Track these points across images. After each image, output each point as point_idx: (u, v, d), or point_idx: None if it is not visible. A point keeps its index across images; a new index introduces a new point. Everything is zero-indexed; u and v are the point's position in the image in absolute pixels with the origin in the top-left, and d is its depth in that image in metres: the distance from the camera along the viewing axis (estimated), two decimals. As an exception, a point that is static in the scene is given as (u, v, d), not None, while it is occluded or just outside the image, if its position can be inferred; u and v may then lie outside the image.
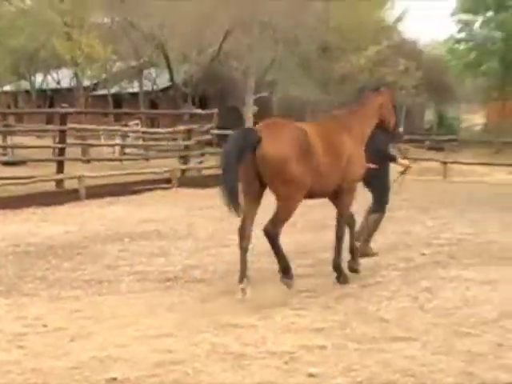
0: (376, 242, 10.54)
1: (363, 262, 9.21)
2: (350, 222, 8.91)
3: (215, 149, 30.93)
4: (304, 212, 14.73)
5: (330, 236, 11.67)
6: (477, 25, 48.54)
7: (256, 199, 8.09)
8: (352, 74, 41.28)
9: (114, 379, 5.49)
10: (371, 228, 10.26)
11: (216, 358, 5.87)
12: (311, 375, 5.48)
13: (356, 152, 8.58)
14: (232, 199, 7.62)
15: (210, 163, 24.50)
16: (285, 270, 8.02)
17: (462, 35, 49.30)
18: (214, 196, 18.10)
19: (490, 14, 47.45)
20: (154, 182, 19.75)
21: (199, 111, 26.44)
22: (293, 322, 6.81)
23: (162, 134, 26.08)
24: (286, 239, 11.44)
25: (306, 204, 16.56)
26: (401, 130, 9.89)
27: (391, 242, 11.10)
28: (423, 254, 10.00)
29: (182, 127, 24.17)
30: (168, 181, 19.80)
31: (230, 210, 7.71)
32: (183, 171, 21.77)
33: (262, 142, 7.61)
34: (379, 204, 10.31)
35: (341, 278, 8.54)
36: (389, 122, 9.28)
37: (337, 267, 8.62)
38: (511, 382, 5.27)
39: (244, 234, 8.09)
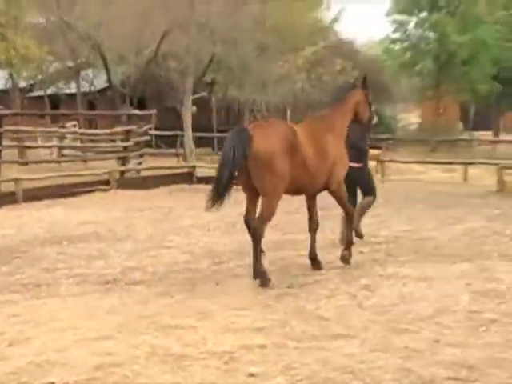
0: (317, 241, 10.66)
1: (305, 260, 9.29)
2: (315, 226, 9.44)
3: (154, 150, 30.81)
4: (242, 212, 14.83)
5: (271, 236, 11.79)
6: (411, 25, 49.18)
7: (256, 195, 8.68)
8: (290, 74, 41.52)
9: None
10: (362, 208, 11.15)
11: (156, 360, 5.85)
12: (251, 375, 5.50)
13: (340, 150, 9.29)
14: (222, 193, 8.31)
15: (149, 164, 24.42)
16: (256, 270, 8.48)
17: (397, 35, 49.90)
18: (153, 197, 18.19)
19: (423, 14, 48.12)
20: (92, 183, 19.58)
21: (137, 112, 26.31)
22: (233, 322, 6.82)
23: (100, 136, 25.86)
24: (224, 239, 11.54)
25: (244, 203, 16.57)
26: (374, 121, 10.47)
27: (330, 240, 11.20)
28: (361, 252, 10.12)
29: (120, 128, 24.00)
30: (107, 182, 19.65)
31: (211, 203, 8.39)
32: (122, 173, 21.64)
33: (253, 139, 8.25)
34: (370, 191, 11.21)
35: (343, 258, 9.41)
36: (363, 117, 9.96)
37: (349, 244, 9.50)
38: (448, 377, 5.35)
39: (250, 226, 8.68)
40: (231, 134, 8.51)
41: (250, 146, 8.23)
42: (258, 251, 8.49)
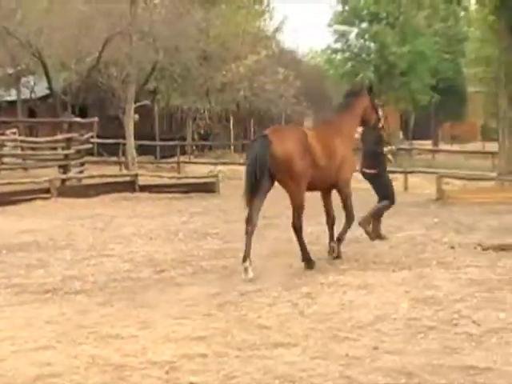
0: (257, 250, 10.72)
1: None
2: (332, 221, 10.51)
3: (96, 158, 30.53)
4: (185, 221, 14.82)
5: (211, 245, 11.79)
6: (352, 36, 49.64)
7: (264, 194, 9.63)
8: (232, 83, 41.60)
9: (-10, 395, 5.37)
10: (376, 210, 11.87)
11: (96, 370, 5.80)
12: (192, 384, 5.50)
13: (347, 151, 10.34)
14: (253, 192, 9.36)
15: (91, 172, 24.22)
16: (307, 259, 9.69)
17: (339, 45, 50.31)
18: (95, 205, 18.04)
19: (364, 25, 48.62)
20: (32, 191, 19.32)
21: (79, 120, 26.08)
22: (174, 331, 6.80)
23: (41, 143, 25.56)
24: (166, 248, 11.50)
25: (188, 212, 16.59)
26: (381, 123, 11.27)
27: (273, 248, 11.23)
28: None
29: (61, 136, 23.76)
30: (47, 191, 19.41)
31: (247, 202, 9.50)
32: (63, 181, 21.42)
33: (272, 144, 9.28)
34: (385, 197, 11.93)
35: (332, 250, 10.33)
36: (370, 120, 10.94)
37: (339, 238, 10.37)
38: (387, 384, 5.43)
39: (251, 222, 9.54)
40: (255, 141, 9.78)
41: (270, 150, 9.23)
42: (302, 241, 9.67)
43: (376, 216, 11.91)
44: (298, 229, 9.68)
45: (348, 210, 10.45)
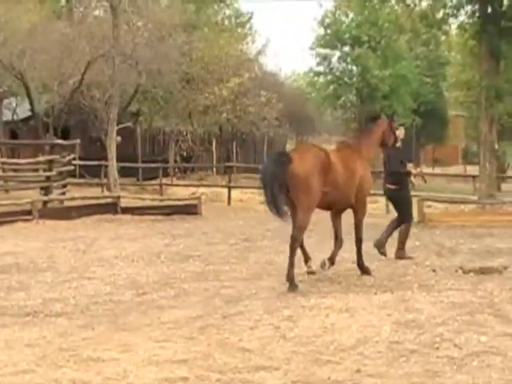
0: (239, 272, 10.76)
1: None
2: (340, 244, 11.06)
3: (78, 179, 30.41)
4: (167, 243, 14.79)
5: (193, 267, 11.77)
6: (334, 59, 49.93)
7: (294, 209, 10.06)
8: (215, 106, 41.69)
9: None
10: (403, 236, 12.47)
11: (77, 394, 5.76)
12: (174, 407, 5.47)
13: (365, 172, 10.96)
14: (276, 208, 9.77)
15: (73, 194, 24.12)
16: (290, 279, 9.84)
17: (321, 69, 50.57)
18: (76, 228, 17.97)
19: (346, 48, 48.95)
20: (14, 213, 19.19)
21: (61, 142, 25.99)
22: (155, 354, 6.77)
23: (23, 165, 25.45)
24: (148, 270, 11.47)
25: (170, 234, 16.54)
26: (398, 144, 12.27)
27: (254, 271, 11.23)
28: (286, 284, 10.16)
29: (42, 158, 23.67)
30: (29, 212, 19.29)
31: (277, 217, 9.93)
32: (45, 202, 21.30)
33: (293, 162, 9.79)
34: (405, 215, 12.60)
35: (364, 272, 10.83)
36: (388, 142, 11.70)
37: (361, 265, 10.89)
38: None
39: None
40: (272, 156, 10.56)
41: (289, 166, 9.72)
42: (293, 258, 9.86)
43: (404, 240, 12.55)
44: (295, 241, 9.94)
45: (358, 230, 10.95)
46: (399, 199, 12.68)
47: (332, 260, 10.87)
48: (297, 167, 9.77)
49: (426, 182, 14.00)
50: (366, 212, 11.11)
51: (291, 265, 9.86)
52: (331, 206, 10.72)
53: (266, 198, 9.88)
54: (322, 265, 10.71)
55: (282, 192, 9.86)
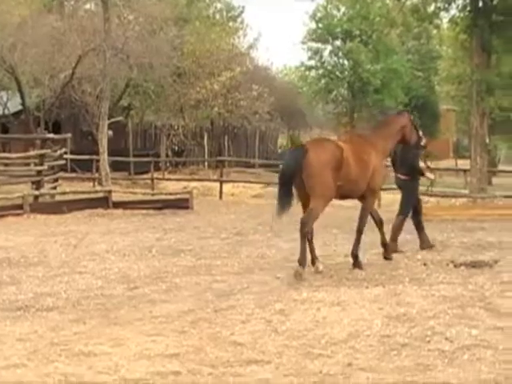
0: (231, 266, 10.77)
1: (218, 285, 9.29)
2: (379, 223, 11.59)
3: (69, 174, 30.34)
4: (159, 238, 14.78)
5: (185, 261, 11.77)
6: (326, 53, 49.97)
7: (308, 201, 10.38)
8: (206, 100, 41.64)
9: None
10: (396, 229, 12.60)
11: (68, 388, 5.76)
12: (165, 401, 5.47)
13: (379, 164, 11.21)
14: (283, 204, 10.28)
15: (64, 188, 24.08)
16: (301, 261, 10.13)
17: (312, 63, 50.58)
18: (68, 222, 17.94)
19: (338, 43, 48.98)
20: (5, 208, 19.15)
21: (52, 136, 25.93)
22: (147, 348, 6.76)
23: (13, 159, 25.38)
24: (140, 264, 11.45)
25: (161, 228, 16.52)
26: (423, 142, 12.42)
27: (246, 265, 11.23)
28: (278, 278, 10.17)
29: (33, 152, 23.61)
30: (20, 207, 19.26)
31: (279, 212, 10.34)
32: (36, 197, 21.25)
33: (308, 153, 10.18)
34: (403, 208, 12.85)
35: (356, 264, 10.86)
36: (410, 139, 11.90)
37: (354, 255, 10.97)
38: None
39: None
40: (291, 151, 11.17)
41: (305, 158, 10.09)
42: (305, 243, 10.24)
43: (397, 233, 12.67)
44: (304, 226, 10.13)
45: (361, 221, 11.16)
46: (407, 190, 12.87)
47: (384, 243, 11.64)
48: (312, 157, 10.12)
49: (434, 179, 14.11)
50: (373, 204, 11.53)
51: (303, 250, 10.18)
52: (345, 196, 11.22)
53: (280, 193, 10.34)
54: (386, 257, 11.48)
55: (297, 187, 10.31)
